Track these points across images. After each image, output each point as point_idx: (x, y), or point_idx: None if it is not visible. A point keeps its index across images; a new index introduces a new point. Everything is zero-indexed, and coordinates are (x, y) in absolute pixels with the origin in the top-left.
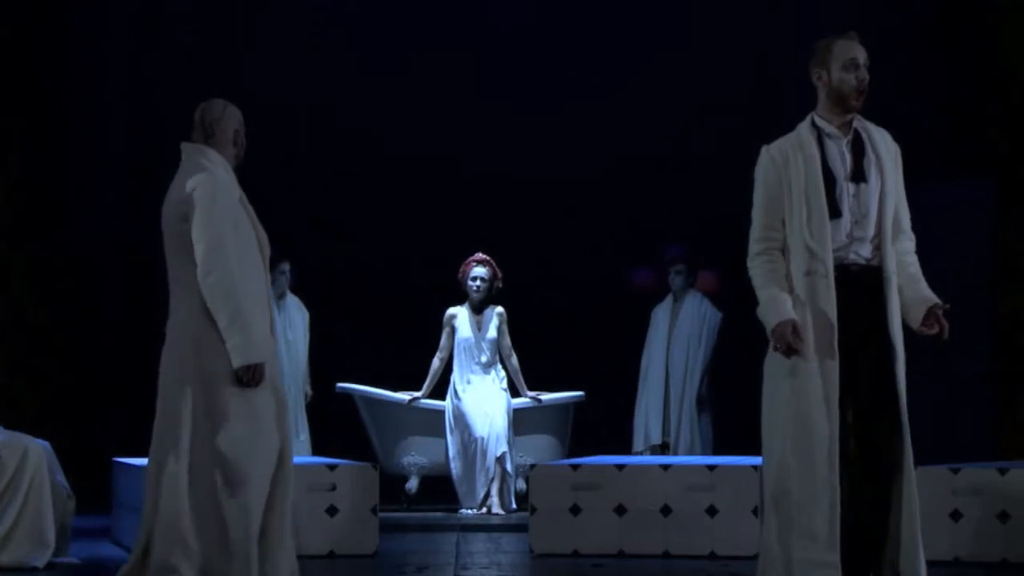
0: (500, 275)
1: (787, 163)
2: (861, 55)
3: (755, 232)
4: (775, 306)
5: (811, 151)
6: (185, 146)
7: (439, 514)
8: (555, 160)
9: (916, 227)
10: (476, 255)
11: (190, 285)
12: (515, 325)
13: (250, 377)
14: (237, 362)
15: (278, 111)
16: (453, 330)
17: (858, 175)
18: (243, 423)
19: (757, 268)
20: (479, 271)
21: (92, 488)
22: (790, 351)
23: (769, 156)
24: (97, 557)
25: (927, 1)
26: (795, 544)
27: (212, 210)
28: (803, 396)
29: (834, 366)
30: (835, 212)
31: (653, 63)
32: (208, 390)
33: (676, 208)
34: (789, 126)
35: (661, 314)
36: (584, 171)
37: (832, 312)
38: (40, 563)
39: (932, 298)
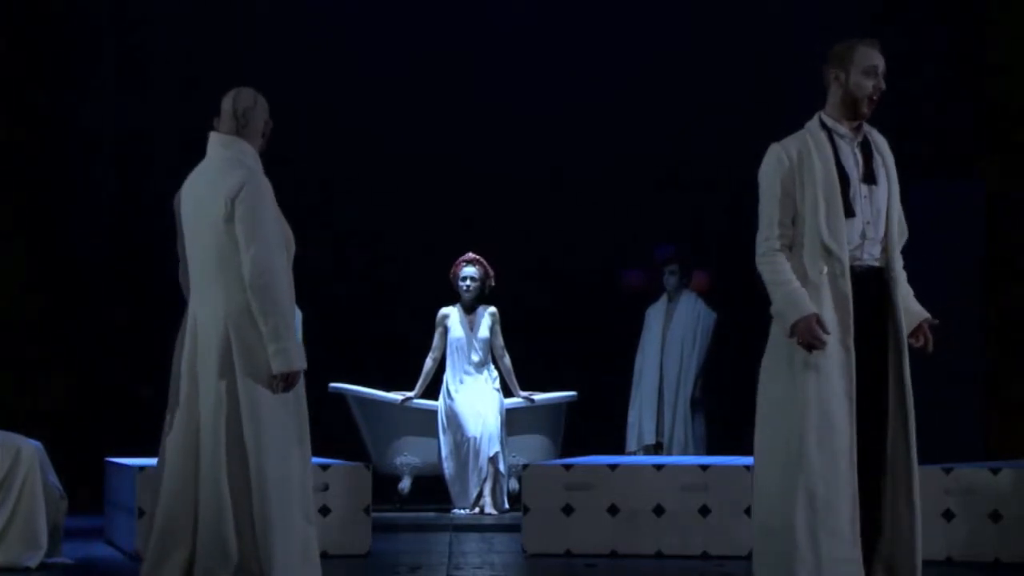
0: (492, 274)
1: (802, 161)
2: (881, 64)
3: (766, 229)
4: (795, 301)
5: (826, 151)
6: (217, 137)
7: (432, 514)
8: (555, 160)
9: (909, 226)
10: (467, 255)
11: (229, 281)
12: (509, 325)
13: (287, 384)
14: (280, 367)
15: (278, 111)
16: (445, 330)
17: (869, 177)
18: (283, 426)
19: (770, 264)
20: (469, 271)
21: (84, 488)
22: (813, 346)
23: (785, 153)
24: (90, 558)
25: (921, 2)
26: (823, 542)
27: (263, 211)
28: (825, 393)
29: (851, 363)
30: (849, 212)
31: (653, 63)
32: (247, 391)
33: (675, 209)
34: (789, 126)
35: (655, 314)
36: (584, 171)
37: (849, 310)
38: (33, 564)
39: (922, 313)
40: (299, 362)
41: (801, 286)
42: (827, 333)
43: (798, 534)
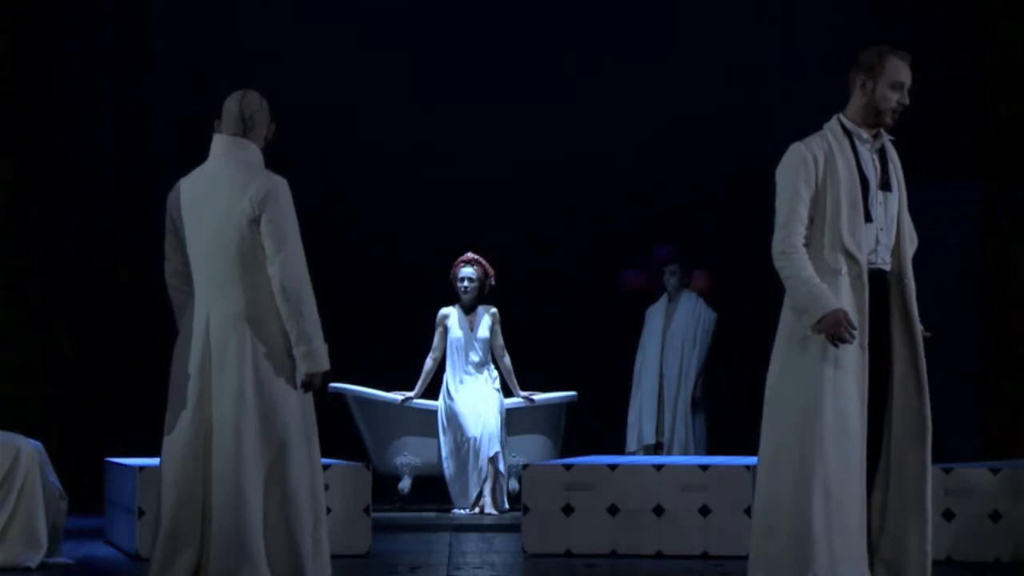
0: (492, 274)
1: (827, 163)
2: (908, 79)
3: (787, 227)
4: (820, 296)
5: (848, 154)
6: (226, 138)
7: (432, 514)
8: (555, 160)
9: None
10: (465, 255)
11: (250, 283)
12: (509, 324)
13: (317, 384)
14: (310, 368)
15: (275, 111)
16: (445, 330)
17: (886, 184)
18: (299, 426)
19: (791, 261)
20: (467, 271)
21: (84, 488)
22: (842, 339)
23: (810, 153)
24: (90, 557)
25: (917, 2)
26: (838, 541)
27: (290, 216)
28: (841, 393)
29: (866, 365)
30: (868, 217)
31: (654, 63)
32: (271, 392)
33: (674, 208)
34: (784, 130)
35: (655, 314)
36: (584, 171)
37: (865, 312)
38: (33, 564)
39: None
40: (326, 363)
41: (822, 282)
42: (855, 328)
43: (815, 533)
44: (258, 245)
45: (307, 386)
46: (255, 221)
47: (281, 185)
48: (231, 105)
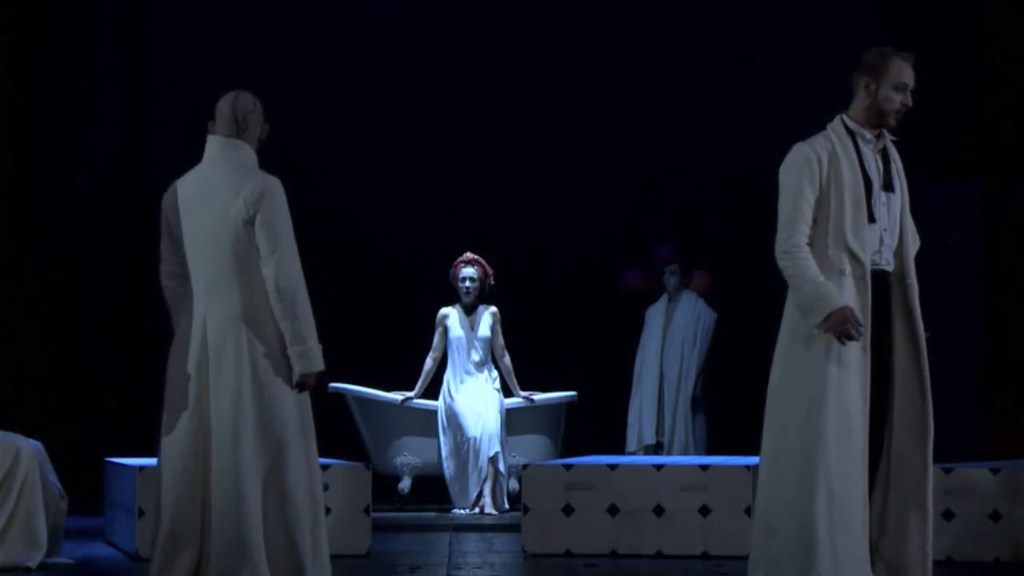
0: (492, 273)
1: (831, 163)
2: (912, 80)
3: (792, 225)
4: (826, 294)
5: (852, 155)
6: (220, 140)
7: (432, 514)
8: (555, 160)
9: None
10: (465, 255)
11: (246, 284)
12: (509, 324)
13: (312, 384)
14: (304, 368)
15: (275, 111)
16: (446, 330)
17: (888, 184)
18: (297, 426)
19: (795, 260)
20: (467, 271)
21: (85, 489)
22: (850, 336)
23: (814, 154)
24: (90, 557)
25: (917, 2)
26: (840, 541)
27: (285, 216)
28: (844, 392)
29: (868, 365)
30: (871, 217)
31: (653, 63)
32: (268, 392)
33: (674, 208)
34: (784, 130)
35: (655, 314)
36: (584, 171)
37: (868, 312)
38: (33, 563)
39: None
40: (321, 363)
41: (827, 281)
42: (861, 325)
43: (819, 533)
44: (253, 246)
45: (301, 386)
46: (249, 222)
47: (275, 185)
48: (224, 106)
